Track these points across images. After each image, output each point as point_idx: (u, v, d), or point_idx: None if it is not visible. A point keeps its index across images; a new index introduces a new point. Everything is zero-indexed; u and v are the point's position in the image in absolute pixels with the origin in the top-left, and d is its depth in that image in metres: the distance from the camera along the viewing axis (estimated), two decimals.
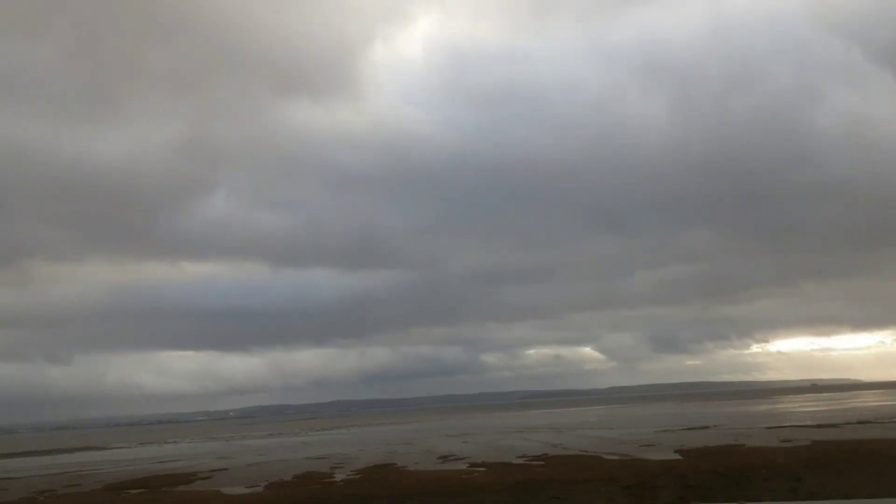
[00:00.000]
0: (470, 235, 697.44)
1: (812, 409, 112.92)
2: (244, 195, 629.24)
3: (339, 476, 46.33)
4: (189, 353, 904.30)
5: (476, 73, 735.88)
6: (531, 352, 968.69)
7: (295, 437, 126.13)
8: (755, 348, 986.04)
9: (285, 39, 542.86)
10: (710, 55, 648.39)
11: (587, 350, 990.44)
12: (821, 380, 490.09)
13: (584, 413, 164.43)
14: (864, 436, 50.97)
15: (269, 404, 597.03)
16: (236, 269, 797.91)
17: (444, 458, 55.70)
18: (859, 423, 67.27)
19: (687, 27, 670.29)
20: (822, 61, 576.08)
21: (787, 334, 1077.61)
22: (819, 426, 66.08)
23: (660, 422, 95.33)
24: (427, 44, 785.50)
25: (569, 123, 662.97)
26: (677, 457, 44.68)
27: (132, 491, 45.15)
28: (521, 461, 49.30)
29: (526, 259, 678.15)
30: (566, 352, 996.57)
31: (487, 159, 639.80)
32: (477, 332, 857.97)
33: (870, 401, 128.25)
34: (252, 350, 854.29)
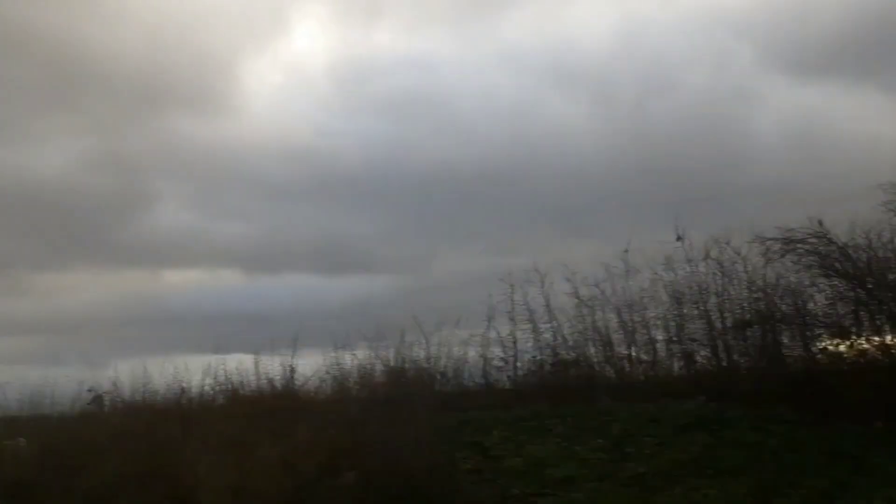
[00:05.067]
0: (439, 240, 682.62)
1: None
2: (190, 205, 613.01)
3: None
4: (226, 357, 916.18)
5: (373, 81, 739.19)
6: None
7: None
8: None
9: (145, 51, 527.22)
10: (623, 58, 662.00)
11: None
12: None
13: None
14: None
15: None
16: (214, 276, 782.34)
17: None
18: None
19: (596, 29, 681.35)
20: (728, 64, 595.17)
21: None
22: None
23: None
24: (315, 51, 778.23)
25: (487, 131, 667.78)
26: None
27: None
28: None
29: (507, 263, 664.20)
30: None
31: (413, 166, 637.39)
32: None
33: None
34: (282, 352, 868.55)
